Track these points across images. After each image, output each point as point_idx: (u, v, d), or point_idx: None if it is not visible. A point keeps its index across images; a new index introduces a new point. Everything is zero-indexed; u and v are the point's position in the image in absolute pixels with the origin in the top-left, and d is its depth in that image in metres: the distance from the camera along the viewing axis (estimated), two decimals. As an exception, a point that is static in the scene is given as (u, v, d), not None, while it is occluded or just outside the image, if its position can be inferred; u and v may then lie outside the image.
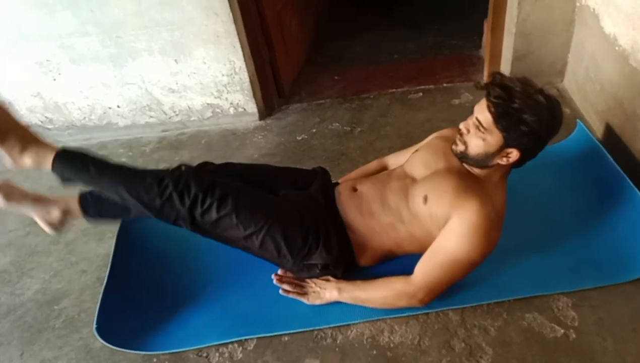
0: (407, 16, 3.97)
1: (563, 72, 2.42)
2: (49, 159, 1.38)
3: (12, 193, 1.54)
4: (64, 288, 1.71)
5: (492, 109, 1.25)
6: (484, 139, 1.29)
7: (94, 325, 1.41)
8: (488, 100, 1.26)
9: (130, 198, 1.37)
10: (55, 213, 1.60)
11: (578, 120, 2.01)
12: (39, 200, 1.58)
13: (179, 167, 1.53)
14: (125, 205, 1.44)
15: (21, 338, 1.55)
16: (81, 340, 1.50)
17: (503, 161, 1.31)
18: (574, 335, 1.30)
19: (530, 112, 1.22)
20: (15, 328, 1.59)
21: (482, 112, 1.28)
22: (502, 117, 1.24)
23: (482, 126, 1.28)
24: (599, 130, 2.04)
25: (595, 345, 1.27)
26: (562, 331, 1.31)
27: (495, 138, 1.27)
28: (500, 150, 1.29)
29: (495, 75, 1.29)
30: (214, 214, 1.36)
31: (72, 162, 1.40)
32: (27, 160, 1.39)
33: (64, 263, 1.82)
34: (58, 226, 1.63)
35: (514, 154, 1.28)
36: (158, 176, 1.38)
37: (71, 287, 1.71)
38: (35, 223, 1.69)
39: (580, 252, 1.51)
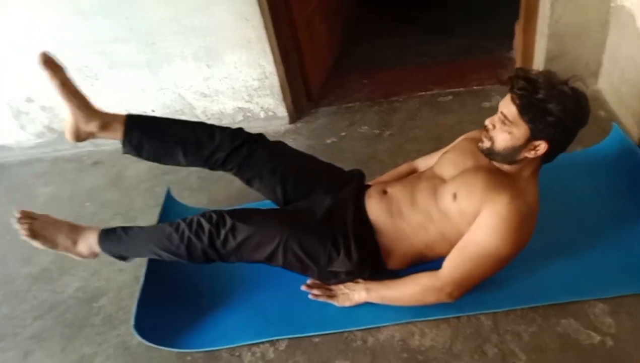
0: (436, 19, 3.95)
1: (597, 74, 2.37)
2: (95, 244, 1.54)
3: (67, 84, 1.55)
4: (103, 286, 1.77)
5: (517, 101, 1.25)
6: (510, 133, 1.28)
7: (132, 323, 1.46)
8: (512, 92, 1.26)
9: (162, 252, 1.48)
10: (92, 126, 1.56)
11: (614, 123, 1.97)
12: (86, 105, 1.56)
13: (239, 129, 1.62)
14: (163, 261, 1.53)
15: (62, 334, 1.61)
16: (119, 337, 1.55)
17: (531, 154, 1.30)
18: (610, 342, 1.27)
19: (555, 101, 1.21)
20: (57, 324, 1.65)
21: (507, 106, 1.28)
22: (527, 108, 1.24)
23: (508, 119, 1.27)
24: (635, 133, 1.99)
25: (632, 352, 1.24)
26: (599, 338, 1.29)
27: (521, 130, 1.26)
28: (527, 143, 1.28)
29: (519, 69, 1.30)
30: (232, 242, 1.42)
31: (110, 238, 1.53)
32: (82, 249, 1.55)
33: (102, 262, 1.86)
34: (82, 136, 1.59)
35: (542, 146, 1.27)
36: (173, 224, 1.47)
37: (110, 285, 1.77)
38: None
39: (618, 257, 1.48)
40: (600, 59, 2.32)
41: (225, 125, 1.64)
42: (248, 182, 1.63)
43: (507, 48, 3.00)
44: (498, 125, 1.31)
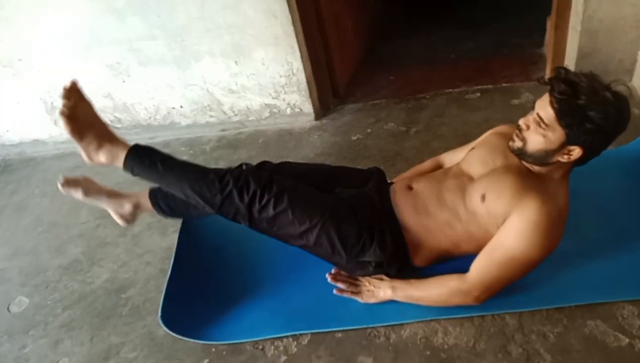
0: (466, 15, 3.90)
1: (632, 71, 2.30)
2: (121, 157, 1.45)
3: (91, 188, 1.65)
4: (131, 278, 1.81)
5: (556, 105, 1.20)
6: (544, 136, 1.24)
7: (159, 314, 1.49)
8: (552, 95, 1.21)
9: (193, 194, 1.43)
10: (127, 207, 1.70)
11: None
12: (113, 195, 1.69)
13: (240, 166, 1.59)
14: (189, 202, 1.49)
15: (91, 323, 1.66)
16: (145, 328, 1.59)
17: (564, 159, 1.26)
18: (639, 345, 1.24)
19: (597, 109, 1.17)
20: (86, 314, 1.70)
21: (544, 108, 1.23)
22: (566, 113, 1.20)
23: (544, 122, 1.23)
24: (671, 132, 1.93)
25: (663, 356, 1.21)
26: (627, 340, 1.26)
27: (556, 135, 1.23)
28: (562, 148, 1.24)
29: (560, 69, 1.24)
30: (271, 211, 1.40)
31: (141, 158, 1.46)
32: (102, 157, 1.46)
33: (130, 254, 1.93)
34: (130, 219, 1.73)
35: (576, 152, 1.24)
36: (219, 173, 1.43)
37: (137, 277, 1.80)
38: (105, 216, 1.80)
39: (648, 259, 1.44)
40: (635, 56, 2.25)
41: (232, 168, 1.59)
42: None
43: (538, 44, 2.94)
44: (533, 126, 1.27)
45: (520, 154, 1.33)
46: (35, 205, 2.41)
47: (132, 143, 1.49)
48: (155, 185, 1.66)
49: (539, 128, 1.25)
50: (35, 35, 2.49)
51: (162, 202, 1.70)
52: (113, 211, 1.71)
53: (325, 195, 1.51)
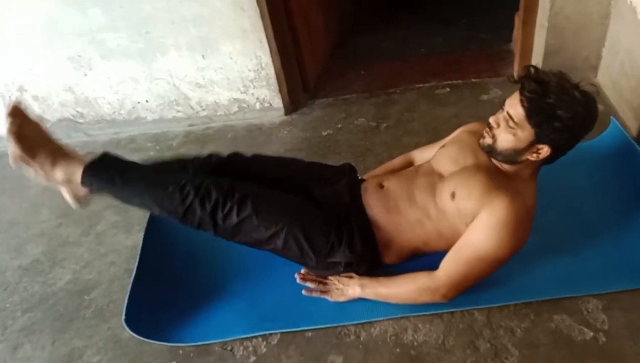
0: (435, 10, 3.92)
1: (597, 67, 2.35)
2: (78, 172, 1.41)
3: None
4: (94, 279, 1.75)
5: (526, 104, 1.21)
6: (514, 134, 1.25)
7: (123, 317, 1.44)
8: (522, 94, 1.22)
9: (155, 206, 1.42)
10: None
11: (612, 117, 1.95)
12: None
13: (209, 156, 1.55)
14: (152, 213, 1.46)
15: (53, 326, 1.60)
16: (110, 330, 1.54)
17: (533, 157, 1.28)
18: (603, 339, 1.26)
19: (565, 107, 1.19)
20: (48, 317, 1.64)
21: (513, 107, 1.24)
22: (536, 112, 1.21)
23: (513, 120, 1.24)
24: (633, 127, 1.97)
25: (626, 348, 1.23)
26: (592, 334, 1.28)
27: (526, 133, 1.24)
28: (531, 146, 1.26)
29: (529, 68, 1.25)
30: (234, 218, 1.38)
31: (99, 175, 1.43)
32: (59, 174, 1.42)
33: (94, 254, 1.86)
34: (81, 201, 1.56)
35: (545, 150, 1.25)
36: (179, 183, 1.40)
37: (101, 278, 1.75)
38: (68, 214, 1.74)
39: (612, 254, 1.47)
40: (600, 52, 2.30)
41: (197, 157, 1.58)
42: None
43: (507, 40, 2.98)
44: (502, 124, 1.28)
45: (490, 151, 1.33)
46: (-7, 204, 2.32)
47: (88, 158, 1.44)
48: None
49: (509, 126, 1.26)
50: (-9, 25, 2.38)
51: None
52: (65, 190, 1.52)
53: (291, 197, 1.49)
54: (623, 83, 2.08)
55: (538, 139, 1.24)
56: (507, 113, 1.26)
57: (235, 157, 1.62)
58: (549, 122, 1.20)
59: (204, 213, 1.37)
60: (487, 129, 1.33)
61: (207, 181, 1.41)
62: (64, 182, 1.44)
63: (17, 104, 1.38)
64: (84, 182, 1.42)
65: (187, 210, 1.38)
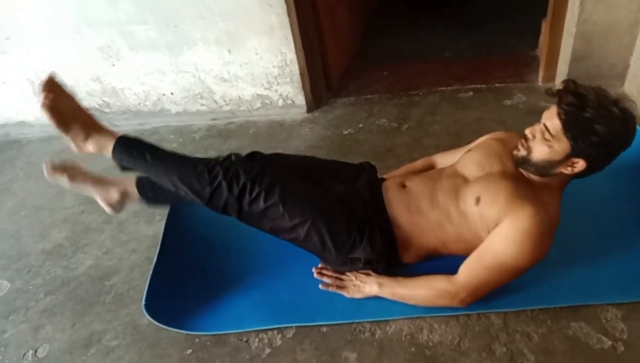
0: (461, 14, 3.90)
1: (624, 76, 2.32)
2: (109, 147, 1.45)
3: (77, 174, 1.62)
4: (115, 265, 1.79)
5: (563, 117, 1.21)
6: (550, 146, 1.25)
7: (143, 303, 1.47)
8: (559, 107, 1.22)
9: (182, 185, 1.42)
10: (114, 195, 1.67)
11: (637, 126, 1.92)
12: (99, 182, 1.66)
13: (229, 156, 1.57)
14: (177, 193, 1.47)
15: (73, 310, 1.63)
16: (129, 316, 1.57)
17: (567, 171, 1.27)
18: (622, 348, 1.25)
19: (603, 123, 1.18)
20: (69, 300, 1.67)
21: (551, 119, 1.24)
22: (573, 125, 1.21)
23: (550, 133, 1.24)
24: (660, 138, 1.94)
25: (644, 359, 1.22)
26: (610, 343, 1.27)
27: (562, 146, 1.24)
28: (566, 159, 1.25)
29: (569, 82, 1.25)
30: (261, 203, 1.38)
31: (129, 150, 1.46)
32: (90, 146, 1.47)
33: (115, 241, 1.90)
34: (117, 207, 1.71)
35: (580, 164, 1.25)
36: (209, 164, 1.41)
37: (121, 265, 1.78)
38: (91, 202, 1.77)
39: (632, 263, 1.45)
40: (628, 61, 2.27)
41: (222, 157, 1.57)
42: None
43: (533, 46, 2.95)
44: (538, 136, 1.28)
45: (524, 163, 1.33)
46: (19, 188, 2.37)
47: (120, 133, 1.48)
48: (143, 178, 1.65)
49: (545, 138, 1.26)
50: (24, 13, 2.43)
51: (149, 191, 1.68)
52: (100, 198, 1.68)
53: (318, 190, 1.50)
54: (651, 93, 2.06)
55: (574, 153, 1.23)
56: (544, 125, 1.26)
57: (255, 155, 1.63)
58: (585, 136, 1.20)
59: (231, 196, 1.38)
60: (522, 141, 1.32)
61: (236, 164, 1.42)
62: (96, 153, 1.48)
63: (51, 77, 1.42)
64: (114, 156, 1.46)
65: (214, 191, 1.39)
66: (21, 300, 1.70)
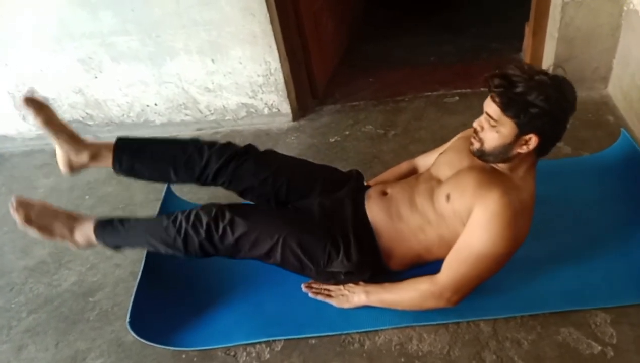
0: (446, 19, 3.91)
1: (607, 79, 2.33)
2: (91, 234, 1.52)
3: (52, 120, 1.48)
4: (99, 281, 1.75)
5: (497, 99, 1.22)
6: (498, 132, 1.26)
7: (127, 319, 1.44)
8: (490, 91, 1.24)
9: (158, 243, 1.46)
10: (83, 157, 1.52)
11: (622, 129, 1.94)
12: (73, 138, 1.51)
13: (228, 143, 1.58)
14: (160, 253, 1.51)
15: (57, 328, 1.60)
16: (114, 333, 1.54)
17: (523, 149, 1.27)
18: (612, 353, 1.25)
19: (536, 92, 1.19)
20: (52, 318, 1.64)
21: (489, 105, 1.26)
22: (509, 104, 1.21)
23: (493, 119, 1.25)
24: (644, 139, 1.96)
25: (634, 364, 1.22)
26: (600, 348, 1.26)
27: (508, 128, 1.24)
28: (517, 139, 1.25)
29: (495, 70, 1.27)
30: (230, 237, 1.40)
31: (106, 228, 1.51)
32: (79, 238, 1.53)
33: (99, 256, 1.86)
34: (76, 168, 1.56)
35: (533, 140, 1.24)
36: (170, 217, 1.45)
37: (106, 280, 1.75)
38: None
39: (621, 267, 1.46)
40: (610, 64, 2.28)
41: (214, 140, 1.59)
42: (241, 194, 1.60)
43: (517, 50, 2.96)
44: (485, 125, 1.29)
45: (482, 154, 1.33)
46: (1, 204, 2.33)
47: (94, 216, 1.56)
48: (125, 140, 1.57)
49: (491, 125, 1.27)
50: (3, 25, 2.39)
51: (127, 159, 1.55)
52: (64, 153, 1.52)
53: (284, 210, 1.52)
54: (634, 95, 2.07)
55: (521, 130, 1.23)
56: (486, 113, 1.27)
57: (249, 148, 1.62)
58: (524, 111, 1.20)
59: (200, 238, 1.40)
60: (474, 135, 1.33)
61: (196, 209, 1.45)
62: (86, 245, 1.55)
63: (19, 198, 1.50)
64: (98, 241, 1.52)
65: (185, 240, 1.41)
66: (3, 319, 1.67)
